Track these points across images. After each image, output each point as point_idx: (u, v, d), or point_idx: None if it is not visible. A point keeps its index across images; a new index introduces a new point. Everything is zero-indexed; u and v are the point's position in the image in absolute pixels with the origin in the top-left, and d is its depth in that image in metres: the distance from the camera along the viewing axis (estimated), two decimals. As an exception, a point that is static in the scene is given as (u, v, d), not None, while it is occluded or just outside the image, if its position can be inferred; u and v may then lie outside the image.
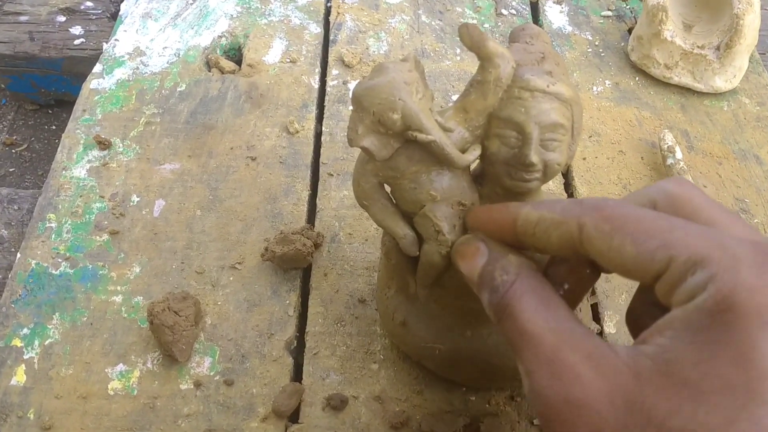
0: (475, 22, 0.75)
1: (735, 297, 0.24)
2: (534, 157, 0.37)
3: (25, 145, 0.85)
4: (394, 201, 0.41)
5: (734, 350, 0.23)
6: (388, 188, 0.41)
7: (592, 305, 0.51)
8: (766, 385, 0.23)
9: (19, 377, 0.46)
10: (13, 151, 0.84)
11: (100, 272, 0.51)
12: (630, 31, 0.75)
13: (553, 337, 0.28)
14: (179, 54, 0.69)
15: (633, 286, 0.52)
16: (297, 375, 0.47)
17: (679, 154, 0.59)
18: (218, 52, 0.70)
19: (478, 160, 0.39)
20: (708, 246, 0.25)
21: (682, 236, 0.26)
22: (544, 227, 0.31)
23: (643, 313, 0.33)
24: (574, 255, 0.31)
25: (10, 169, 0.82)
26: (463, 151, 0.38)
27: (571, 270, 0.34)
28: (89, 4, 0.82)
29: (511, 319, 0.30)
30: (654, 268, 0.27)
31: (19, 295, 0.50)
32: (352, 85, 0.66)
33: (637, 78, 0.70)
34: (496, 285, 0.32)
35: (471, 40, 0.35)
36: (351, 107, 0.37)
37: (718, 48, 0.66)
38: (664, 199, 0.30)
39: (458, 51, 0.71)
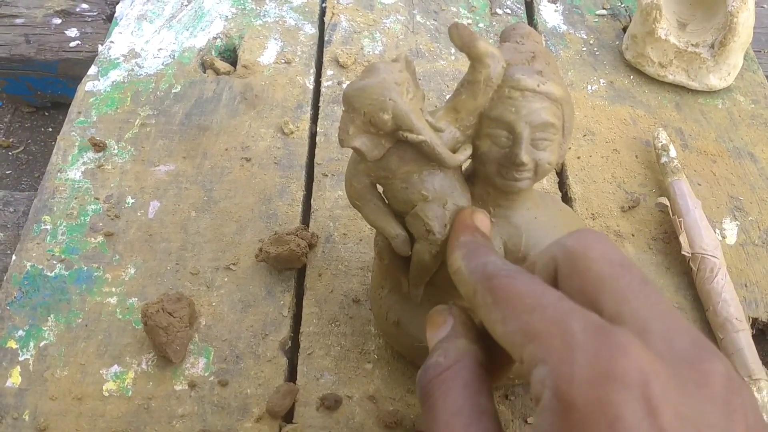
0: (469, 21, 0.75)
1: (573, 393, 0.22)
2: (525, 157, 0.37)
3: (22, 148, 0.85)
4: (386, 201, 0.41)
5: None
6: (380, 188, 0.41)
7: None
8: None
9: (14, 379, 0.46)
10: (10, 153, 0.84)
11: (95, 274, 0.51)
12: (625, 29, 0.75)
13: None
14: (174, 55, 0.69)
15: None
16: (291, 375, 0.47)
17: (673, 153, 0.59)
18: (213, 53, 0.70)
19: (469, 160, 0.39)
20: (551, 335, 0.24)
21: (536, 321, 0.24)
22: (457, 279, 0.31)
23: None
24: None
25: (7, 172, 0.82)
26: (455, 151, 0.38)
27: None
28: (84, 6, 0.82)
29: (430, 413, 0.27)
30: (514, 353, 0.25)
31: (14, 297, 0.50)
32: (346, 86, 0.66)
33: (631, 76, 0.70)
34: (428, 365, 0.29)
35: (461, 40, 0.35)
36: (343, 107, 0.37)
37: (712, 46, 0.66)
38: (562, 256, 0.28)
39: (453, 51, 0.71)
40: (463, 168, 0.40)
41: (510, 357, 0.30)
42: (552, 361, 0.23)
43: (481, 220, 0.36)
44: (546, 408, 0.23)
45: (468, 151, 0.38)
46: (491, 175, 0.38)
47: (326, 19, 0.73)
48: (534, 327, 0.24)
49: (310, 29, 0.72)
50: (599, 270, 0.26)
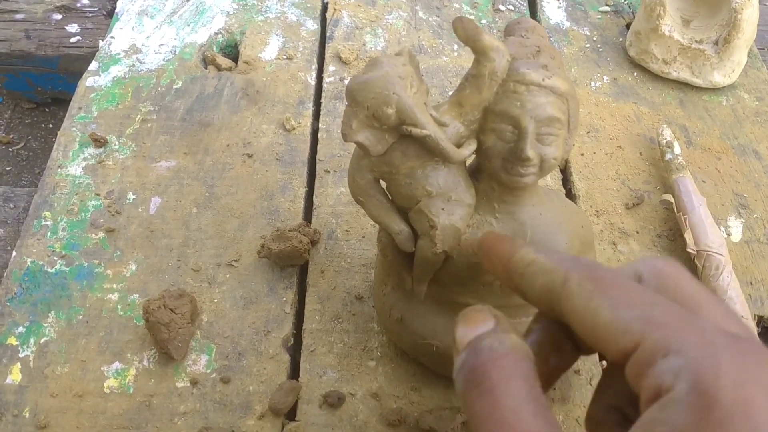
0: (472, 18, 0.74)
1: (719, 392, 0.21)
2: (530, 152, 0.36)
3: (22, 144, 0.84)
4: (390, 197, 0.40)
5: None
6: (384, 184, 0.40)
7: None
8: None
9: (15, 376, 0.46)
10: (10, 149, 0.84)
11: (96, 270, 0.51)
12: (628, 26, 0.74)
13: None
14: (175, 51, 0.68)
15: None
16: (294, 372, 0.47)
17: (677, 150, 0.58)
18: (215, 49, 0.70)
19: (473, 155, 0.39)
20: (685, 329, 0.23)
21: (661, 314, 0.24)
22: (534, 270, 0.29)
23: (605, 420, 0.30)
24: (548, 311, 0.29)
25: (7, 168, 0.81)
26: (459, 145, 0.37)
27: (553, 343, 0.31)
28: (85, 1, 0.82)
29: (489, 397, 0.25)
30: (625, 340, 0.24)
31: (15, 294, 0.50)
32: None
33: (635, 73, 0.69)
34: (481, 348, 0.27)
35: (466, 33, 0.35)
36: (345, 102, 0.37)
37: (716, 43, 0.66)
38: (650, 274, 0.28)
39: (455, 47, 0.70)
40: (467, 163, 0.40)
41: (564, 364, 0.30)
42: (691, 355, 0.22)
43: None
44: (680, 401, 0.21)
45: (472, 146, 0.38)
46: (496, 171, 0.38)
47: (328, 14, 0.73)
48: (661, 318, 0.24)
49: (312, 25, 0.72)
50: (694, 294, 0.26)
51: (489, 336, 0.28)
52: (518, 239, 0.33)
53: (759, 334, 0.49)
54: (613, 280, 0.26)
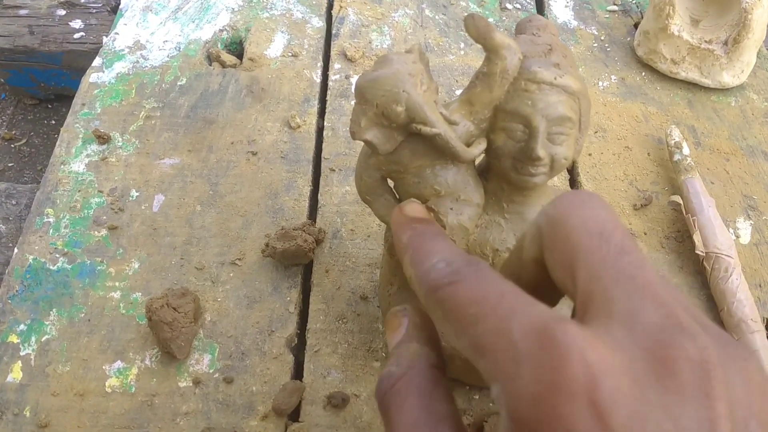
0: (479, 16, 0.74)
1: (520, 417, 0.20)
2: (541, 151, 0.36)
3: (25, 140, 0.84)
4: (398, 196, 0.40)
5: None
6: (391, 183, 0.40)
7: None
8: None
9: (16, 374, 0.45)
10: (13, 145, 0.83)
11: (99, 268, 0.51)
12: (636, 25, 0.74)
13: None
14: (180, 48, 0.68)
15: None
16: (298, 373, 0.46)
17: (686, 150, 0.58)
18: (219, 45, 0.69)
19: (483, 154, 0.38)
20: (495, 345, 0.22)
21: (481, 333, 0.22)
22: (414, 291, 0.28)
23: None
24: None
25: (9, 164, 0.81)
26: (468, 144, 0.37)
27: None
28: (89, -3, 0.82)
29: (389, 428, 0.25)
30: (478, 369, 0.23)
31: (16, 291, 0.49)
32: (354, 80, 0.65)
33: (643, 73, 0.69)
34: (382, 377, 0.27)
35: (477, 31, 0.35)
36: (354, 99, 0.36)
37: (725, 43, 0.65)
38: (545, 225, 0.25)
39: (462, 45, 0.70)
40: (476, 162, 0.39)
41: None
42: (501, 379, 0.21)
43: (412, 209, 0.33)
44: (503, 427, 0.21)
45: (482, 145, 0.37)
46: (506, 170, 0.38)
47: (334, 12, 0.72)
48: (480, 341, 0.22)
49: (318, 22, 0.71)
50: (576, 240, 0.24)
51: (393, 353, 0.28)
52: (414, 226, 0.31)
53: (769, 337, 0.48)
54: (454, 297, 0.24)
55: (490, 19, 0.73)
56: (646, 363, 0.20)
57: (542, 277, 0.26)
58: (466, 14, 0.35)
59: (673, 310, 0.21)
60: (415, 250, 0.29)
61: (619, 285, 0.22)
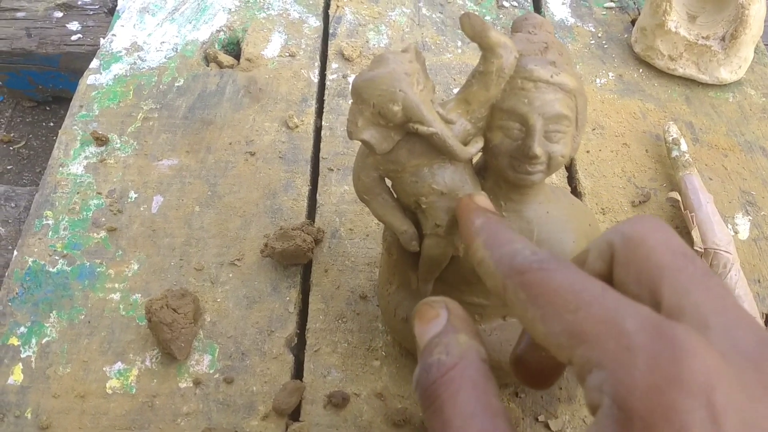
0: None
1: (636, 401, 0.20)
2: (537, 149, 0.36)
3: (23, 143, 0.84)
4: (395, 195, 0.40)
5: None
6: (389, 182, 0.40)
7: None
8: None
9: (16, 376, 0.45)
10: (11, 148, 0.83)
11: (98, 270, 0.51)
12: (633, 22, 0.74)
13: None
14: (177, 49, 0.68)
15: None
16: (298, 372, 0.47)
17: (684, 147, 0.58)
18: (216, 46, 0.69)
19: (480, 153, 0.38)
20: (604, 337, 0.22)
21: (583, 320, 0.22)
22: (482, 271, 0.28)
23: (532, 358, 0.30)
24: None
25: (8, 167, 0.81)
26: (466, 143, 0.37)
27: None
28: (86, -1, 0.82)
29: (439, 417, 0.25)
30: (560, 355, 0.23)
31: (16, 293, 0.49)
32: (352, 79, 0.65)
33: (640, 70, 0.69)
34: (430, 364, 0.26)
35: (473, 29, 0.35)
36: (351, 99, 0.36)
37: (723, 39, 0.65)
38: (620, 243, 0.26)
39: (459, 44, 0.70)
40: (473, 161, 0.39)
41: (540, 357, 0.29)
42: (609, 367, 0.21)
43: (484, 200, 0.33)
44: (606, 416, 0.21)
45: (479, 143, 0.37)
46: (503, 169, 0.38)
47: (331, 11, 0.72)
48: (582, 327, 0.22)
49: (315, 22, 0.71)
50: (659, 259, 0.24)
51: (438, 343, 0.27)
52: (487, 214, 0.31)
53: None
54: (546, 282, 0.24)
55: (487, 17, 0.73)
56: (753, 374, 0.21)
57: None
58: (462, 12, 0.35)
59: (763, 331, 0.23)
60: (491, 234, 0.29)
61: (711, 302, 0.23)
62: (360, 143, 0.38)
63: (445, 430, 0.25)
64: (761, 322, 0.49)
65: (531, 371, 0.31)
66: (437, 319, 0.29)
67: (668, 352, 0.20)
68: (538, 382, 0.31)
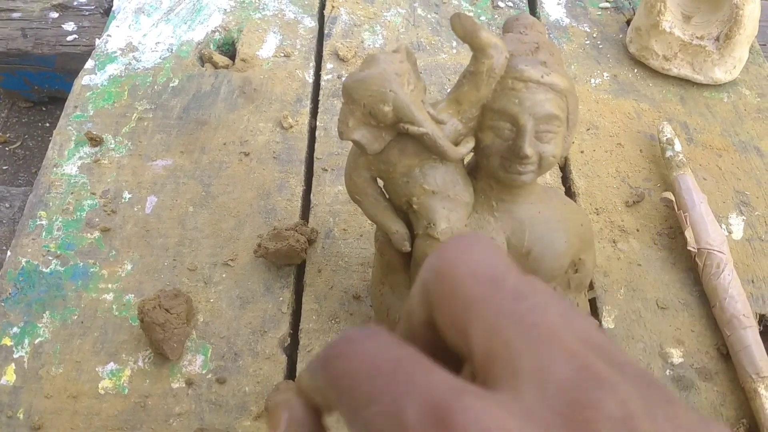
0: (471, 14, 0.74)
1: None
2: (528, 149, 0.36)
3: (19, 143, 0.84)
4: (387, 195, 0.40)
5: None
6: (381, 183, 0.40)
7: (590, 300, 0.50)
8: None
9: (9, 376, 0.45)
10: (7, 149, 0.83)
11: (91, 270, 0.51)
12: (628, 22, 0.74)
13: None
14: (172, 49, 0.68)
15: (633, 280, 0.52)
16: (291, 373, 0.47)
17: (678, 147, 0.58)
18: (211, 46, 0.69)
19: (472, 153, 0.38)
20: None
21: (373, 417, 0.19)
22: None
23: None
24: None
25: (4, 167, 0.81)
26: (457, 143, 0.37)
27: None
28: (82, 0, 0.82)
29: None
30: None
31: (9, 294, 0.49)
32: (346, 79, 0.65)
33: (635, 70, 0.69)
34: None
35: (464, 30, 0.35)
36: (342, 100, 0.36)
37: (717, 39, 0.65)
38: (431, 280, 0.22)
39: (454, 44, 0.70)
40: (465, 161, 0.40)
41: None
42: None
43: None
44: None
45: (470, 143, 0.37)
46: (494, 169, 0.38)
47: (326, 12, 0.72)
48: (373, 427, 0.19)
49: (310, 22, 0.71)
50: (466, 292, 0.21)
51: None
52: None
53: (761, 332, 0.49)
54: (344, 377, 0.20)
55: (483, 18, 0.73)
56: (563, 425, 0.18)
57: (438, 344, 0.22)
58: (452, 14, 0.35)
59: (585, 360, 0.19)
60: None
61: (522, 336, 0.20)
62: (352, 144, 0.38)
63: None
64: (755, 321, 0.49)
65: None
66: (280, 426, 0.25)
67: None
68: None
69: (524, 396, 0.18)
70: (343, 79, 0.65)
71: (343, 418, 0.21)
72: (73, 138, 0.59)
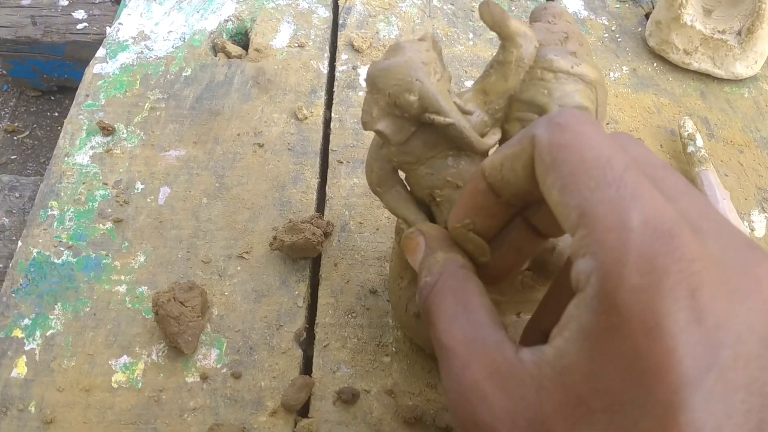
0: (487, 6, 0.73)
1: (618, 297, 0.21)
2: (557, 142, 0.35)
3: (27, 132, 0.83)
4: (409, 188, 0.39)
5: (620, 363, 0.21)
6: (402, 174, 0.39)
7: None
8: (657, 399, 0.20)
9: (20, 369, 0.44)
10: (15, 138, 0.82)
11: (104, 261, 0.50)
12: (647, 15, 0.73)
13: (464, 350, 0.26)
14: (185, 38, 0.67)
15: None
16: (307, 368, 0.46)
17: (699, 142, 0.57)
18: (224, 36, 0.68)
19: (497, 145, 0.37)
20: (609, 225, 0.22)
21: (597, 203, 0.22)
22: (509, 166, 0.27)
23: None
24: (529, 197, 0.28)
25: (12, 157, 0.80)
26: (482, 135, 0.36)
27: (517, 233, 0.31)
28: (92, -13, 0.81)
29: (432, 328, 0.28)
30: (567, 227, 0.23)
31: (20, 285, 0.48)
32: (362, 71, 0.64)
33: (655, 64, 0.68)
34: (420, 288, 0.30)
35: (492, 18, 0.34)
36: (365, 89, 0.35)
37: (739, 33, 0.64)
38: (541, 146, 0.25)
39: (471, 36, 0.69)
40: (489, 153, 0.39)
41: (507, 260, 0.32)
42: (602, 258, 0.21)
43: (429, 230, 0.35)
44: (585, 304, 0.22)
45: (497, 135, 0.36)
46: (521, 162, 0.37)
47: (340, 2, 0.71)
48: (593, 210, 0.22)
49: (324, 12, 0.70)
50: (646, 173, 0.24)
51: (423, 267, 0.31)
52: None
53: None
54: (573, 148, 0.24)
55: (499, 9, 0.72)
56: (738, 278, 0.22)
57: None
58: (480, 2, 0.34)
59: (748, 237, 0.23)
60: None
61: (700, 208, 0.23)
62: (373, 134, 0.37)
63: (436, 338, 0.28)
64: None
65: (488, 274, 0.32)
66: (419, 247, 0.33)
67: (662, 255, 0.21)
68: (493, 278, 0.33)
69: (709, 248, 0.22)
70: (359, 70, 0.64)
71: (549, 185, 0.24)
72: (84, 127, 0.58)
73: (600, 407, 0.21)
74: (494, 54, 0.36)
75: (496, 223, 0.31)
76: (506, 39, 0.34)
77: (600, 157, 0.23)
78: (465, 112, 0.35)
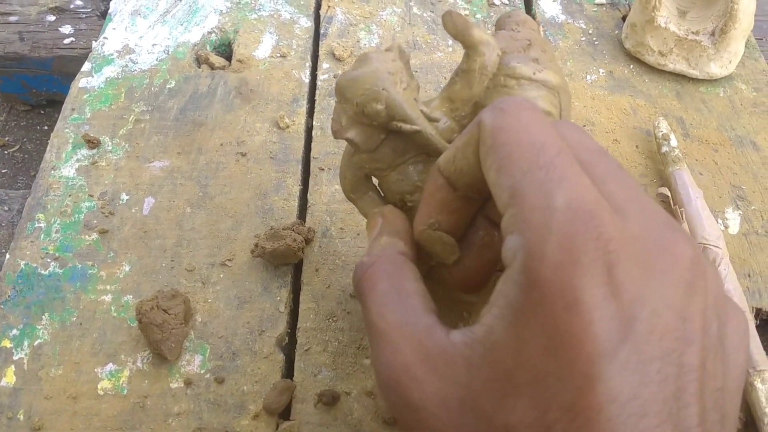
0: (467, 12, 0.74)
1: (540, 273, 0.22)
2: (521, 146, 0.36)
3: (17, 146, 0.84)
4: (382, 194, 0.40)
5: (542, 336, 0.22)
6: (376, 181, 0.40)
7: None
8: (575, 370, 0.21)
9: (9, 378, 0.45)
10: (6, 152, 0.84)
11: (90, 272, 0.51)
12: (624, 18, 0.74)
13: (396, 334, 0.27)
14: (168, 51, 0.68)
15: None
16: (288, 372, 0.47)
17: (674, 142, 0.58)
18: (208, 48, 0.69)
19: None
20: (535, 206, 0.23)
21: (528, 184, 0.24)
22: (461, 155, 0.29)
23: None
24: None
25: (2, 171, 0.81)
26: (450, 141, 0.37)
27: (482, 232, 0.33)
28: (79, 2, 0.82)
29: (365, 310, 0.29)
30: (500, 206, 0.25)
31: (8, 296, 0.49)
32: (342, 79, 0.65)
33: (631, 66, 0.69)
34: (356, 267, 0.31)
35: (455, 27, 0.35)
36: (335, 99, 0.37)
37: (713, 34, 0.65)
38: (486, 133, 0.27)
39: (450, 42, 0.70)
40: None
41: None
42: (527, 236, 0.23)
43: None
44: (511, 279, 0.23)
45: (463, 141, 0.37)
46: (488, 166, 0.38)
47: (322, 11, 0.73)
48: (521, 190, 0.24)
49: (306, 22, 0.71)
50: (581, 158, 0.25)
51: (369, 247, 0.33)
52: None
53: (757, 326, 0.49)
54: (511, 131, 0.25)
55: (479, 16, 0.73)
56: (656, 256, 0.23)
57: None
58: (443, 12, 0.35)
59: (669, 218, 0.25)
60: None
61: (625, 191, 0.25)
62: (346, 142, 0.38)
63: (369, 320, 0.29)
64: (751, 316, 0.49)
65: (464, 277, 0.34)
66: (376, 227, 0.34)
67: (582, 235, 0.22)
68: (474, 285, 0.34)
69: (630, 228, 0.23)
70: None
71: (487, 167, 0.26)
72: (70, 140, 0.59)
73: (524, 381, 0.22)
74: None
75: (459, 219, 0.32)
76: (469, 48, 0.35)
77: (535, 142, 0.25)
78: (431, 120, 0.36)
